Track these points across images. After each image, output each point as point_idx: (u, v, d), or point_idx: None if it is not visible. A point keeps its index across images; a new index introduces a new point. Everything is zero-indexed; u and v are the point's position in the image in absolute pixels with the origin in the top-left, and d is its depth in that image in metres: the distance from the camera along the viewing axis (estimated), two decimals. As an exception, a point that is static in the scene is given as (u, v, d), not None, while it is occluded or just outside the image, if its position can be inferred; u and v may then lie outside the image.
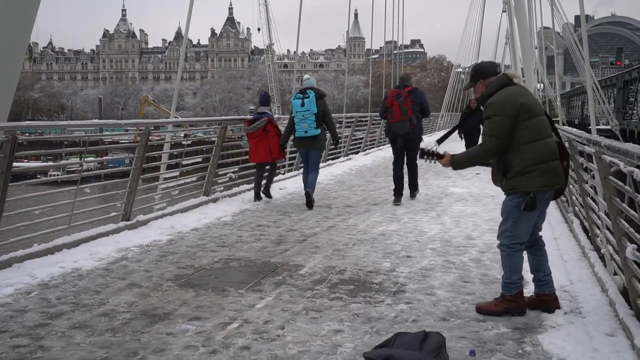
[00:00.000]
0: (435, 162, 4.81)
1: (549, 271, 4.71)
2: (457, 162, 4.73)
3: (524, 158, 4.39)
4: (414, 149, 9.80)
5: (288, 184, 11.89)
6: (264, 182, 10.16)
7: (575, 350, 3.83)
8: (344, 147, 18.46)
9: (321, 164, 13.74)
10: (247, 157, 10.36)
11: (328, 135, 10.08)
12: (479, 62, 5.06)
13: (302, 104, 9.46)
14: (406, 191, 10.22)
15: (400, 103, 9.77)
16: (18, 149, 5.78)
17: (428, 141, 13.64)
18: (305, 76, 10.19)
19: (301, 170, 11.15)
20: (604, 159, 4.70)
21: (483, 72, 4.71)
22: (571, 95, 42.15)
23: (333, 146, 15.34)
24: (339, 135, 13.34)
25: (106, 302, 4.77)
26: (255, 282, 5.38)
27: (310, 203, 9.41)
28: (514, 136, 4.41)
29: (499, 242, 4.64)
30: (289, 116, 10.08)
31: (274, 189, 10.74)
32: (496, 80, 4.60)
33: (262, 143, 9.89)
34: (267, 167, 10.27)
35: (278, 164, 11.23)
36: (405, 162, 10.15)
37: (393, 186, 10.13)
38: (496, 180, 4.69)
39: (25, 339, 4.02)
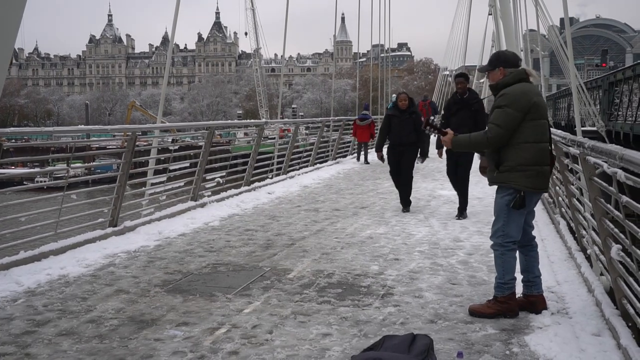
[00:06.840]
0: (435, 135, 4.83)
1: (539, 273, 4.73)
2: (458, 143, 4.73)
3: (521, 156, 4.41)
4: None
5: (276, 188, 11.90)
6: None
7: (562, 350, 3.86)
8: (332, 150, 18.82)
9: (310, 168, 15.97)
10: (234, 161, 12.60)
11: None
12: (502, 50, 5.02)
13: None
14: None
15: (426, 109, 19.16)
16: (4, 155, 5.75)
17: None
18: (393, 94, 16.41)
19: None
20: (588, 160, 4.75)
21: (506, 60, 4.64)
22: (557, 97, 42.38)
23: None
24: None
25: (93, 309, 4.74)
26: (243, 286, 5.37)
27: None
28: (516, 132, 4.41)
29: (492, 242, 4.64)
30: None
31: (263, 191, 10.98)
32: (515, 72, 4.56)
33: (366, 131, 18.43)
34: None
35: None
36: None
37: (379, 190, 12.23)
38: (485, 170, 4.72)
39: (12, 346, 3.98)
